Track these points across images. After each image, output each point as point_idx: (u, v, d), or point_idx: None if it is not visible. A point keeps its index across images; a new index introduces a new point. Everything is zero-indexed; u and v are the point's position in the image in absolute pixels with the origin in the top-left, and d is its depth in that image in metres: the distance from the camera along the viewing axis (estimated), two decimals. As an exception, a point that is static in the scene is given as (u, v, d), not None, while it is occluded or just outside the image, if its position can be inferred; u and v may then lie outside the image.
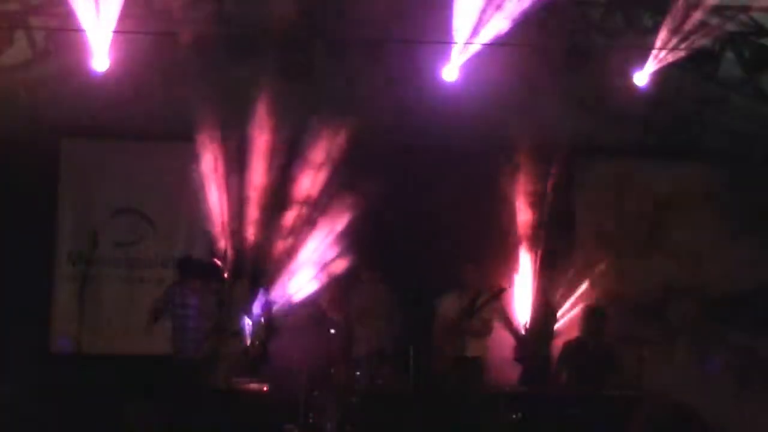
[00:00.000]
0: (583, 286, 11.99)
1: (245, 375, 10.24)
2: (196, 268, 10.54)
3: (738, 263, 12.08)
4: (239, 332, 10.48)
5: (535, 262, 11.84)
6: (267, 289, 11.07)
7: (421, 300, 11.06)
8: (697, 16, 10.24)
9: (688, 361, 11.85)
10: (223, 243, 11.18)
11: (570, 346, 10.78)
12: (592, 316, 10.84)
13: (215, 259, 10.81)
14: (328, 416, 10.33)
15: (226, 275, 10.55)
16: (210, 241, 11.50)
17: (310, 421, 10.24)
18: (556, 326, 11.33)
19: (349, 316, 11.11)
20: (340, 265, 11.39)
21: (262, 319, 10.80)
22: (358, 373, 10.54)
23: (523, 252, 11.82)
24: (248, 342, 10.56)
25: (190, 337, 10.20)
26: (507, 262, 11.65)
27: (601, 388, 10.13)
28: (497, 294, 10.64)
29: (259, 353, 10.68)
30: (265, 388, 9.95)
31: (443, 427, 9.50)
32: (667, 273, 12.32)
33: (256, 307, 10.85)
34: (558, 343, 11.03)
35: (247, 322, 10.58)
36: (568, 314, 11.50)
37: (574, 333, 10.97)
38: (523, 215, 11.83)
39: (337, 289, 11.30)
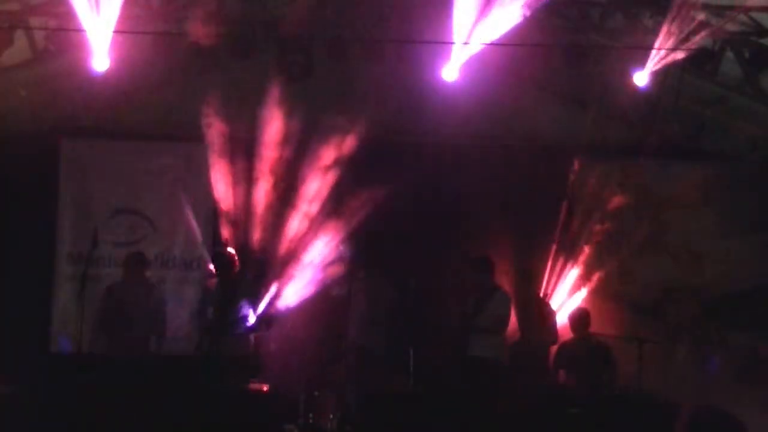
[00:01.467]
0: (581, 287, 11.98)
1: (246, 374, 10.21)
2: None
3: (738, 263, 12.08)
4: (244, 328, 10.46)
5: (534, 261, 11.88)
6: (269, 284, 11.07)
7: (420, 299, 11.00)
8: (697, 16, 10.27)
9: (688, 361, 11.85)
10: (224, 239, 11.17)
11: (566, 347, 10.80)
12: (584, 317, 10.87)
13: (226, 251, 10.70)
14: (328, 416, 10.33)
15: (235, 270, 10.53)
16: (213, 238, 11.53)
17: (310, 421, 10.23)
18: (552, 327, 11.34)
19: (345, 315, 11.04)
20: (342, 262, 11.39)
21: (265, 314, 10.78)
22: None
23: (522, 251, 11.84)
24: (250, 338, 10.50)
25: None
26: (508, 260, 11.65)
27: (600, 386, 10.14)
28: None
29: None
30: (265, 388, 9.93)
31: (444, 427, 9.47)
32: (667, 273, 12.31)
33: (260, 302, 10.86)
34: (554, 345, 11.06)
35: (250, 318, 10.56)
36: (564, 315, 11.46)
37: (568, 334, 11.00)
38: (523, 215, 11.83)
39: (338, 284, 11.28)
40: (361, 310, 10.83)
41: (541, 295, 11.55)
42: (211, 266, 10.58)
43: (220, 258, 10.53)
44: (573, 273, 11.96)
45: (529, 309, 10.86)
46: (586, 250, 12.03)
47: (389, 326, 10.87)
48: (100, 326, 10.39)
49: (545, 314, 11.05)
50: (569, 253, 11.95)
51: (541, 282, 11.69)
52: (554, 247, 11.90)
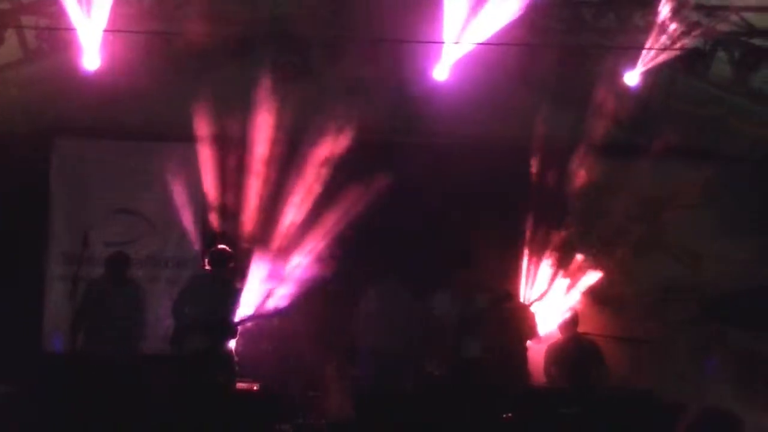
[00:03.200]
0: (580, 287, 11.93)
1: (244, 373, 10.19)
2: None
3: (738, 263, 12.01)
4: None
5: (533, 262, 11.85)
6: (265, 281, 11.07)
7: (419, 300, 10.95)
8: (688, 16, 10.29)
9: (688, 361, 11.80)
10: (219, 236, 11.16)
11: (556, 348, 10.76)
12: (572, 318, 10.84)
13: (221, 248, 10.60)
14: (325, 416, 10.30)
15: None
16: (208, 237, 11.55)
17: (307, 421, 10.20)
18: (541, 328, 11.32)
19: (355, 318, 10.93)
20: (340, 265, 11.38)
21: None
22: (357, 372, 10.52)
23: (520, 252, 11.81)
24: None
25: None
26: (505, 262, 11.61)
27: (591, 385, 10.10)
28: (504, 298, 10.59)
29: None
30: (255, 388, 9.92)
31: (443, 427, 9.44)
32: (667, 273, 12.27)
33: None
34: (544, 345, 11.02)
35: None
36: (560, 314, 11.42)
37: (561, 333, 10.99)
38: (521, 215, 11.80)
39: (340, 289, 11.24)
40: (376, 315, 10.75)
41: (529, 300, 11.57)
42: (206, 264, 10.51)
43: (214, 255, 10.46)
44: (570, 273, 11.94)
45: (505, 308, 10.77)
46: (585, 250, 11.99)
47: (406, 330, 10.76)
48: (76, 323, 10.34)
49: (521, 313, 11.04)
50: (566, 253, 11.93)
51: (519, 281, 11.66)
52: (553, 246, 11.91)
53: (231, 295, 10.24)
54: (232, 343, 10.14)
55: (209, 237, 11.47)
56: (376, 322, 10.63)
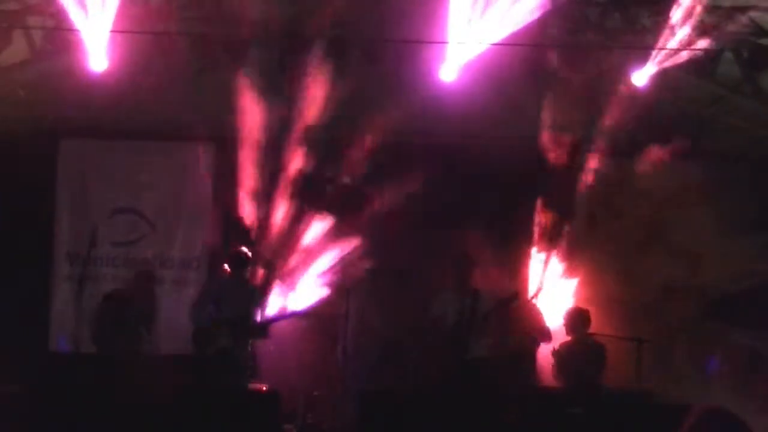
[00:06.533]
0: (580, 287, 11.97)
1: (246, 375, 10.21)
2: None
3: (738, 263, 12.05)
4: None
5: (540, 261, 11.89)
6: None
7: (421, 300, 10.99)
8: (696, 16, 10.29)
9: (688, 361, 11.85)
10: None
11: (565, 348, 10.79)
12: (580, 317, 10.86)
13: (242, 250, 10.61)
14: (328, 416, 10.33)
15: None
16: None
17: (310, 421, 10.23)
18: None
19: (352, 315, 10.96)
20: (343, 263, 11.41)
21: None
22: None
23: (527, 251, 11.85)
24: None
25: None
26: (512, 261, 11.65)
27: (598, 386, 10.14)
28: (511, 298, 10.62)
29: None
30: (264, 388, 9.93)
31: (444, 428, 9.46)
32: (667, 273, 12.27)
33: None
34: (551, 345, 11.07)
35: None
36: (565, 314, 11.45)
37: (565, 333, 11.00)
38: (524, 215, 11.83)
39: (342, 287, 11.26)
40: (376, 314, 10.77)
41: (530, 294, 11.59)
42: (226, 265, 10.52)
43: (235, 256, 10.48)
44: (577, 272, 11.99)
45: (510, 308, 10.79)
46: (585, 249, 12.03)
47: (404, 330, 10.77)
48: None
49: (529, 312, 11.07)
50: (572, 252, 11.97)
51: (527, 280, 11.70)
52: (554, 246, 11.94)
53: (253, 297, 10.30)
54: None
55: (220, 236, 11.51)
56: (374, 321, 10.69)
